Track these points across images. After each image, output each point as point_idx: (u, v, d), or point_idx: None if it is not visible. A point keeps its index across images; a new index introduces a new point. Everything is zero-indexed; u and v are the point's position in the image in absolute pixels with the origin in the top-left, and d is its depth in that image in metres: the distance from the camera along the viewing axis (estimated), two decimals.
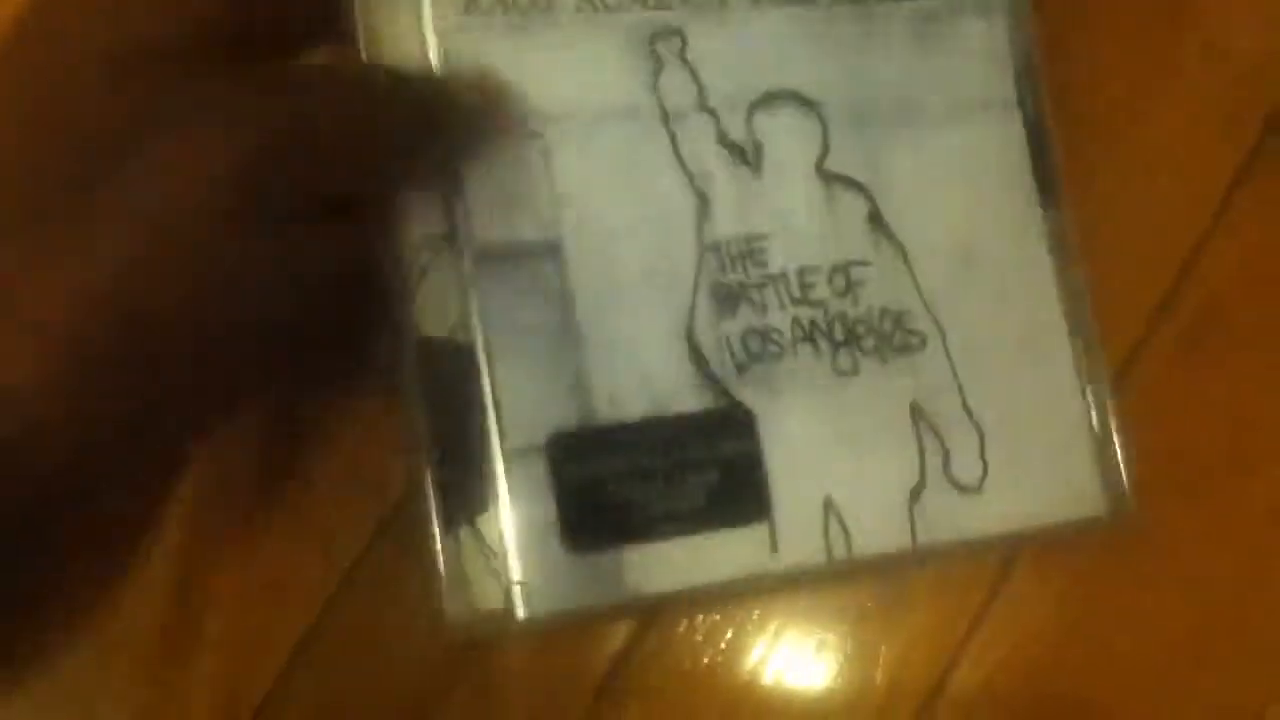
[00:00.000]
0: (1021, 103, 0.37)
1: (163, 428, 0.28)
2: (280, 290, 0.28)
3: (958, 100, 0.37)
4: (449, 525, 0.32)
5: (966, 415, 0.35)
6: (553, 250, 0.33)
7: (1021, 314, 0.36)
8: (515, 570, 0.31)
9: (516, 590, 0.31)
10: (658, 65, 0.34)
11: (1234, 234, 0.41)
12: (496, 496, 0.32)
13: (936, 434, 0.35)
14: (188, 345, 0.27)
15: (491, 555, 0.32)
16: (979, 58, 0.37)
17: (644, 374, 0.33)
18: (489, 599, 0.32)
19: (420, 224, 0.32)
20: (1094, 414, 0.36)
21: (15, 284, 0.25)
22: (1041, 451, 0.36)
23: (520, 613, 0.31)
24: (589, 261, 0.33)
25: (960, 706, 0.39)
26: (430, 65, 0.32)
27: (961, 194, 0.36)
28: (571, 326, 0.33)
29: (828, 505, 0.34)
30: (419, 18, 0.33)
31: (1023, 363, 0.36)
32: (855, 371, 0.34)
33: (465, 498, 0.32)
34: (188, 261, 0.26)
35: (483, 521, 0.32)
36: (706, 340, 0.33)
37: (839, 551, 0.33)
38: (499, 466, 0.32)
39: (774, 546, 0.33)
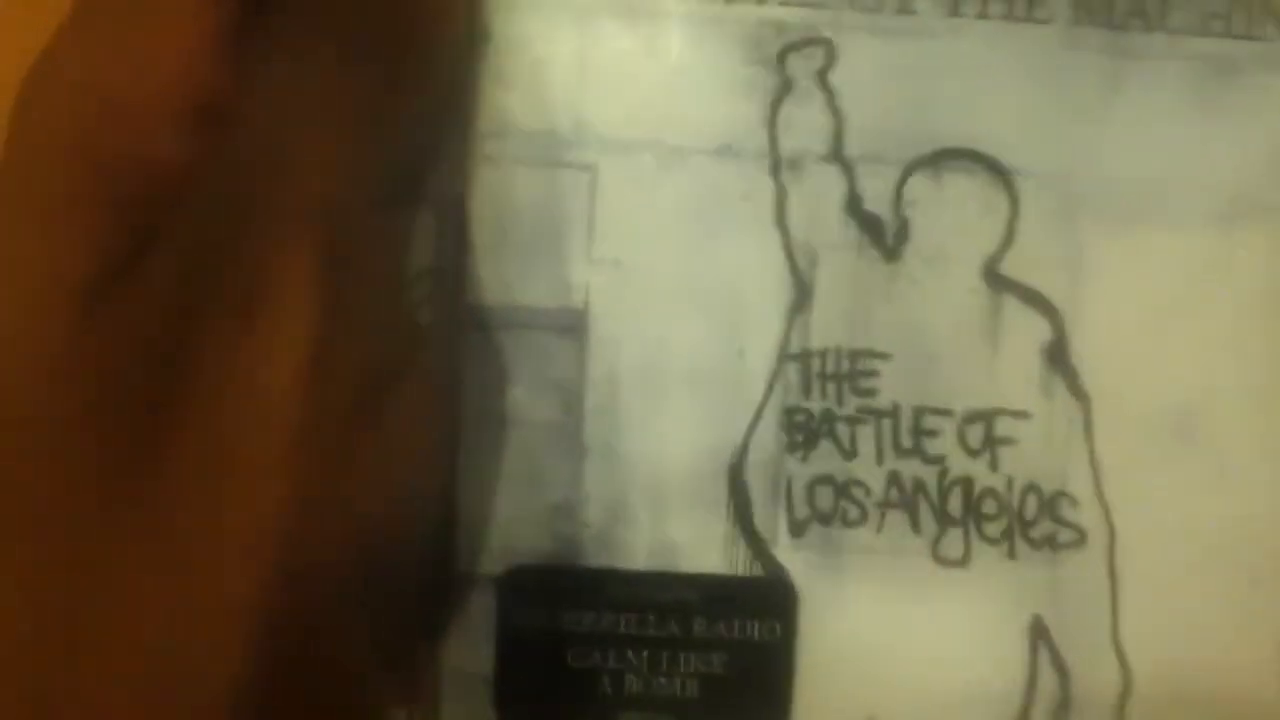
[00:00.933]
0: None
1: None
2: None
3: (1241, 194, 0.25)
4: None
5: (1114, 651, 0.25)
6: (575, 323, 0.24)
7: (1246, 524, 0.25)
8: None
9: None
10: (784, 87, 0.24)
11: None
12: (433, 626, 0.25)
13: (1059, 668, 0.25)
14: None
15: (416, 692, 0.25)
16: None
17: (658, 510, 0.25)
18: None
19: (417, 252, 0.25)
20: None
21: None
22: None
23: None
24: (620, 348, 0.25)
25: None
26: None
27: (1205, 331, 0.25)
28: (575, 431, 0.25)
29: None
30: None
31: (1224, 591, 0.25)
32: (965, 562, 0.25)
33: (404, 619, 0.25)
34: None
35: (417, 656, 0.25)
36: (759, 482, 0.25)
37: None
38: (438, 593, 0.25)
39: None
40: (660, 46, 0.24)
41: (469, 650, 0.25)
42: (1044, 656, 0.25)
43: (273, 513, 0.19)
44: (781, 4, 0.24)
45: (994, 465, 0.25)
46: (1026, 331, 0.25)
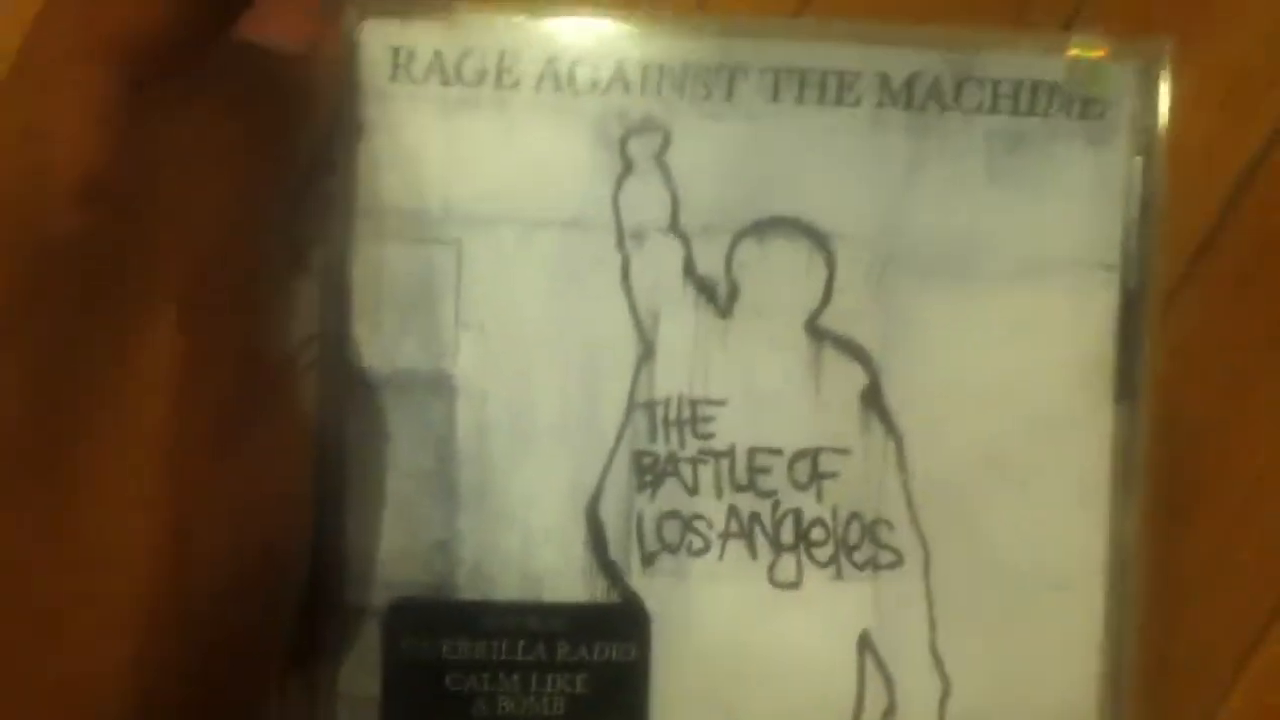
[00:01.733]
0: (1125, 265, 0.28)
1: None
2: None
3: (1033, 254, 0.28)
4: (282, 670, 0.28)
5: (933, 661, 0.28)
6: (443, 384, 0.27)
7: (1049, 542, 0.28)
8: None
9: None
10: (626, 167, 0.27)
11: None
12: (325, 654, 0.27)
13: (885, 676, 0.28)
14: None
15: (310, 715, 0.28)
16: (1076, 201, 0.28)
17: (525, 548, 0.27)
18: None
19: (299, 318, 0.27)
20: (1113, 688, 0.28)
21: None
22: None
23: None
24: (487, 402, 0.27)
25: None
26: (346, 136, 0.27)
27: (1004, 375, 0.28)
28: (449, 478, 0.27)
29: None
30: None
31: (1030, 608, 0.28)
32: (798, 584, 0.28)
33: (302, 644, 0.28)
34: None
35: (313, 678, 0.28)
36: (613, 518, 0.28)
37: None
38: (330, 623, 0.27)
39: None
40: (518, 133, 0.27)
41: (359, 676, 0.27)
42: (871, 666, 0.28)
43: (151, 513, 0.22)
44: (623, 94, 0.27)
45: (820, 497, 0.28)
46: (845, 377, 0.28)
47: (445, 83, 0.27)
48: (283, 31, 0.25)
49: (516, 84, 0.27)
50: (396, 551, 0.27)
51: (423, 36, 0.27)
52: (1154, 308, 0.28)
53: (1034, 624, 0.28)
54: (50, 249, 0.22)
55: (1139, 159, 0.28)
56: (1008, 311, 0.28)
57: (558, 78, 0.27)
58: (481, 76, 0.27)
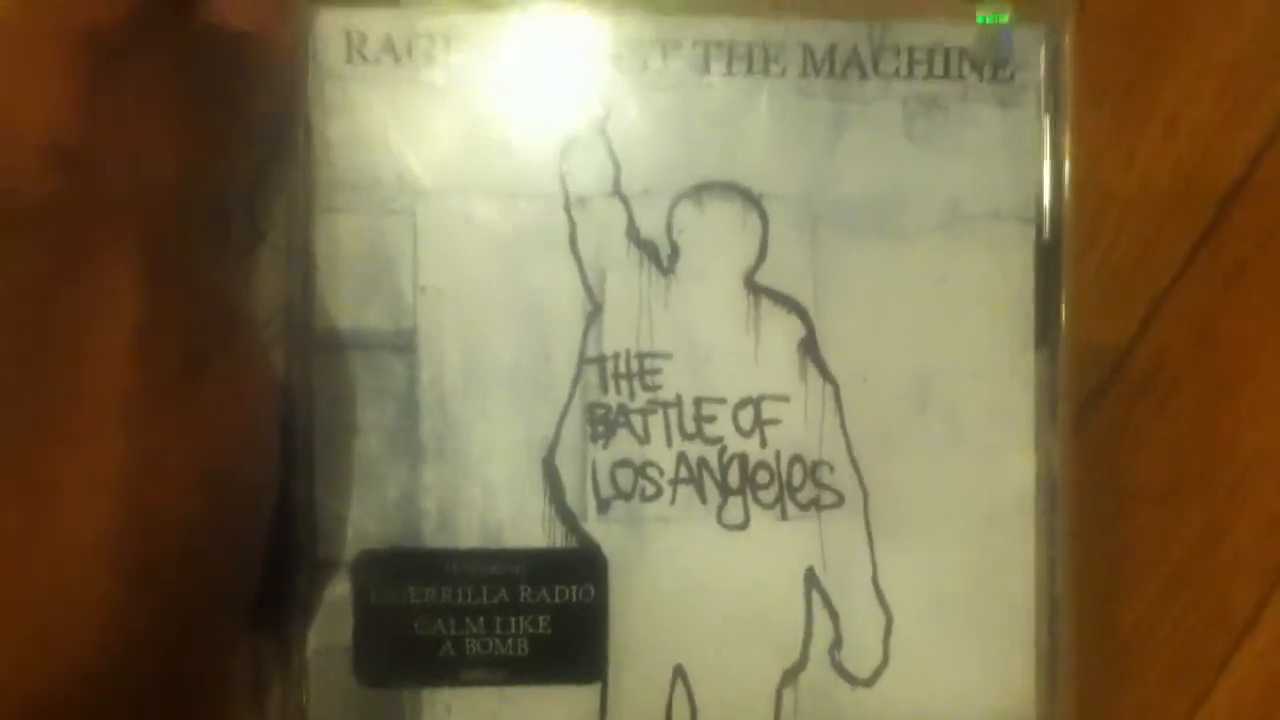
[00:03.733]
0: (1038, 218, 0.30)
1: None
2: None
3: (952, 209, 0.30)
4: (254, 628, 0.29)
5: (875, 593, 0.30)
6: (405, 343, 0.29)
7: (979, 479, 0.30)
8: (302, 692, 0.29)
9: (298, 712, 0.29)
10: (569, 138, 0.29)
11: None
12: (297, 608, 0.29)
13: (831, 610, 0.30)
14: None
15: (285, 669, 0.29)
16: (990, 159, 0.30)
17: (486, 498, 0.29)
18: (275, 715, 0.29)
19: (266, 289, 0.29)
20: (1047, 611, 0.30)
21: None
22: (964, 650, 0.30)
23: None
24: (446, 361, 0.29)
25: None
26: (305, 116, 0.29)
27: (931, 323, 0.30)
28: (412, 433, 0.29)
29: (678, 674, 0.29)
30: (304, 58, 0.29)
31: (965, 540, 0.30)
32: (745, 526, 0.29)
33: (273, 601, 0.29)
34: None
35: (287, 632, 0.29)
36: (569, 468, 0.29)
37: None
38: (301, 578, 0.29)
39: (603, 713, 0.29)
40: (466, 109, 0.29)
41: (332, 626, 0.29)
42: (817, 601, 0.30)
43: (113, 453, 0.23)
44: (565, 70, 0.29)
45: (763, 442, 0.30)
46: (782, 329, 0.30)
47: (397, 63, 0.29)
48: (239, 15, 0.27)
49: (464, 64, 0.29)
50: (363, 506, 0.29)
51: (374, 21, 0.29)
52: (1067, 258, 0.30)
53: (970, 556, 0.30)
54: (19, 207, 0.24)
55: (1047, 117, 0.30)
56: (931, 264, 0.30)
57: (502, 56, 0.29)
58: (431, 57, 0.29)
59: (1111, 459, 0.34)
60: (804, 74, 0.30)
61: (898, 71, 0.30)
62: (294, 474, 0.28)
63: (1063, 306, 0.30)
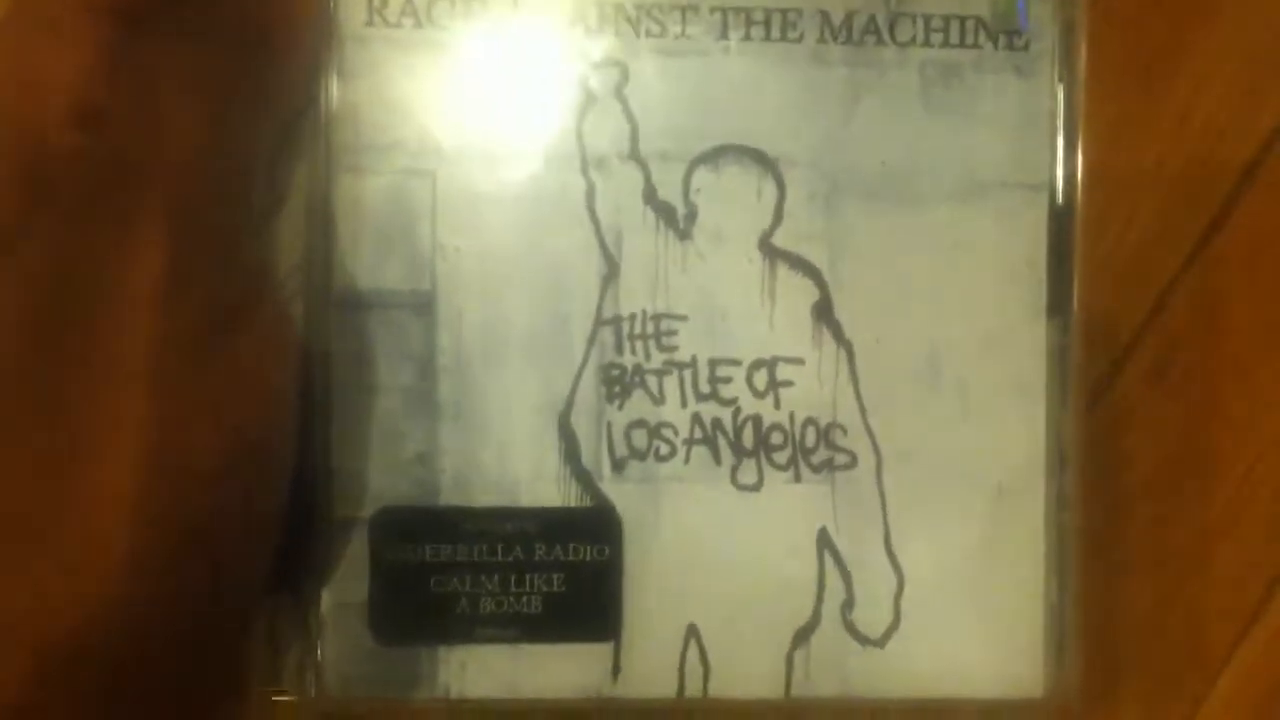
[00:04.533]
0: (1051, 186, 0.30)
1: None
2: None
3: (967, 177, 0.30)
4: (272, 587, 0.29)
5: (887, 555, 0.30)
6: (423, 304, 0.29)
7: (990, 446, 0.30)
8: (318, 648, 0.29)
9: (315, 668, 0.29)
10: (588, 100, 0.29)
11: None
12: (314, 566, 0.29)
13: (843, 571, 0.30)
14: None
15: (302, 626, 0.29)
16: (1005, 127, 0.30)
17: (502, 456, 0.29)
18: (292, 672, 0.29)
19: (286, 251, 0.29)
20: (1056, 582, 0.30)
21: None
22: (974, 613, 0.30)
23: (312, 692, 0.29)
24: (463, 321, 0.29)
25: None
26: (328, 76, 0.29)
27: (944, 290, 0.30)
28: (430, 392, 0.29)
29: (691, 633, 0.30)
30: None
31: (976, 505, 0.30)
32: (758, 487, 0.30)
33: (291, 560, 0.29)
34: None
35: (304, 590, 0.29)
36: (584, 427, 0.29)
37: (693, 688, 0.30)
38: (320, 534, 0.29)
39: (616, 671, 0.29)
40: (486, 72, 0.29)
41: (348, 583, 0.29)
42: (830, 562, 0.30)
43: (141, 408, 0.24)
44: (584, 34, 0.30)
45: (777, 404, 0.30)
46: (797, 292, 0.30)
47: (418, 26, 0.29)
48: None
49: (485, 27, 0.29)
50: (381, 465, 0.29)
51: None
52: (1080, 227, 0.30)
53: (981, 522, 0.30)
54: (47, 164, 0.24)
55: (1061, 86, 0.30)
56: (945, 230, 0.30)
57: (523, 20, 0.29)
58: (451, 20, 0.29)
59: (1122, 440, 0.34)
60: (821, 40, 0.30)
61: (914, 39, 0.30)
62: (312, 433, 0.29)
63: (1075, 277, 0.30)
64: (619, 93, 0.29)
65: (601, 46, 0.29)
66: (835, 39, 0.30)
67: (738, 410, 0.30)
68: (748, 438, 0.30)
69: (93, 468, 0.24)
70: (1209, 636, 0.35)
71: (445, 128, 0.29)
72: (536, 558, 0.29)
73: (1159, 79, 0.35)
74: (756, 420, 0.30)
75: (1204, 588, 0.35)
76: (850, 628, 0.30)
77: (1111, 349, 0.34)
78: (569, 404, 0.29)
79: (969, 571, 0.30)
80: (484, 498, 0.29)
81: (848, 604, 0.30)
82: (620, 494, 0.29)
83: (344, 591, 0.29)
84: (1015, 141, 0.30)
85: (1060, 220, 0.30)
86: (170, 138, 0.25)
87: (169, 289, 0.24)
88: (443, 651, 0.29)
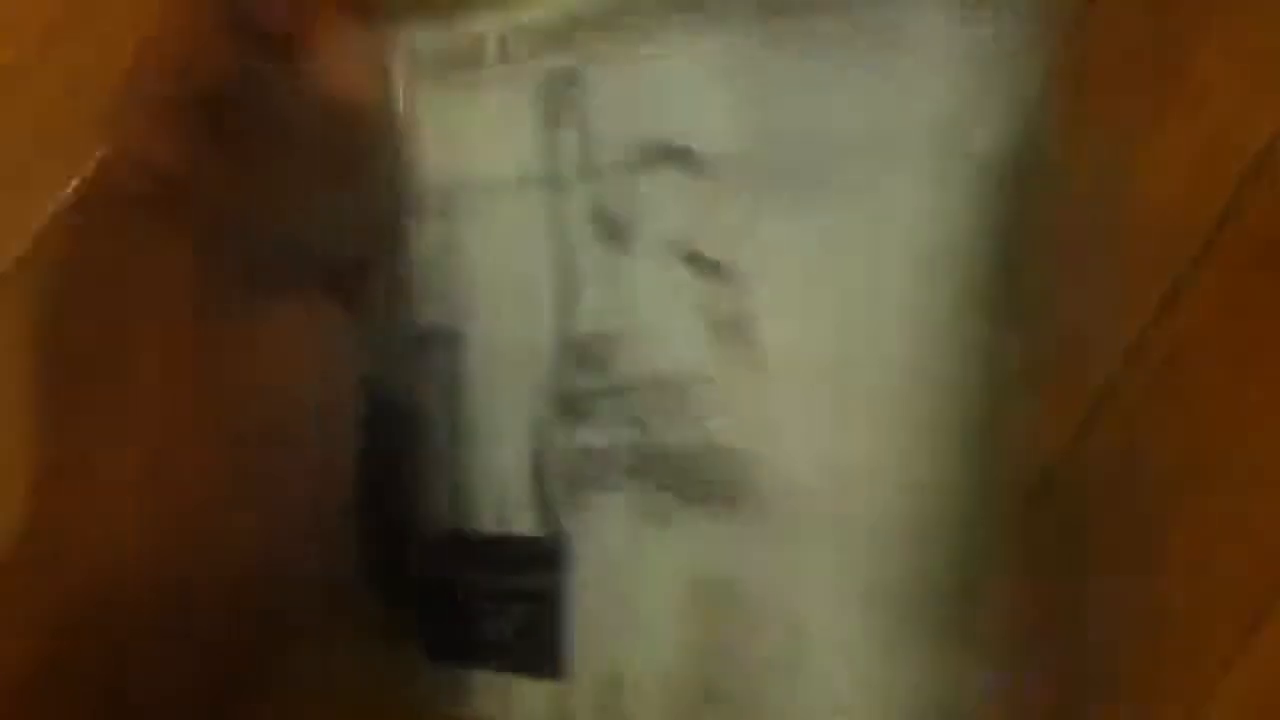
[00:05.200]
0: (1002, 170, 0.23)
1: None
2: None
3: (917, 162, 0.24)
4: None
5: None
6: (452, 339, 0.31)
7: (898, 472, 0.23)
8: None
9: None
10: (552, 120, 0.29)
11: None
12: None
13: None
14: None
15: None
16: (961, 105, 0.24)
17: (496, 486, 0.30)
18: None
19: None
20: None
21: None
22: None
23: None
24: (474, 354, 0.30)
25: None
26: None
27: (873, 290, 0.24)
28: (456, 423, 0.30)
29: (615, 683, 0.27)
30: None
31: (886, 548, 0.24)
32: (666, 523, 0.27)
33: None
34: None
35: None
36: (550, 454, 0.29)
37: None
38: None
39: (560, 714, 0.28)
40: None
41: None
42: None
43: (184, 365, 0.27)
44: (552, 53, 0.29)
45: (686, 430, 0.26)
46: (715, 301, 0.26)
47: (443, 70, 0.31)
48: (337, 74, 0.32)
49: (476, 58, 0.30)
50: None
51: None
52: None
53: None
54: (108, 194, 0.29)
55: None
56: (889, 220, 0.24)
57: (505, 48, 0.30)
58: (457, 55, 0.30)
59: (1129, 444, 0.33)
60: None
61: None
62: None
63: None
64: (578, 106, 0.28)
65: (560, 63, 0.29)
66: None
67: (650, 436, 0.27)
68: (661, 468, 0.27)
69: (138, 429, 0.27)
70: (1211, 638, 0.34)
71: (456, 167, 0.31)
72: (508, 584, 0.29)
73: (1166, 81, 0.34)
74: (662, 450, 0.27)
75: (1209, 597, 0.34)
76: None
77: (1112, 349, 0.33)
78: (541, 430, 0.29)
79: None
80: (486, 525, 0.30)
81: None
82: (575, 523, 0.28)
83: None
84: (966, 119, 0.23)
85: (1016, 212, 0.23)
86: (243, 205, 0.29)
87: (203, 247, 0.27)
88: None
